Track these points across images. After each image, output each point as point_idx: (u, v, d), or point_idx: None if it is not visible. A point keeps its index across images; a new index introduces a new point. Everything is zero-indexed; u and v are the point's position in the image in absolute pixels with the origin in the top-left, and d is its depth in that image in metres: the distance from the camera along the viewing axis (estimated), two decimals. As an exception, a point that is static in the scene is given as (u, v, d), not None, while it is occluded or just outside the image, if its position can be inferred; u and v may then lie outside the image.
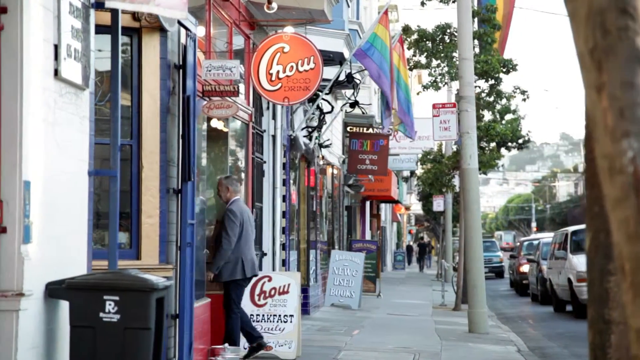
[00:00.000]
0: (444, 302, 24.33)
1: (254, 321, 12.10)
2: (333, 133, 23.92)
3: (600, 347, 3.77)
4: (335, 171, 25.83)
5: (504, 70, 23.76)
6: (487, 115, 24.97)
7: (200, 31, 10.45)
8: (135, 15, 9.08)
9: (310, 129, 19.19)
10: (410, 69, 23.96)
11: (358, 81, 18.96)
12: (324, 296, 21.75)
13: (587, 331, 3.87)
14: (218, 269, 11.02)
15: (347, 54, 17.58)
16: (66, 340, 6.74)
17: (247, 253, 11.18)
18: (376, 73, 16.82)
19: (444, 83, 24.12)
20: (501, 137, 24.02)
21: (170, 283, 7.21)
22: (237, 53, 13.27)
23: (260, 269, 14.71)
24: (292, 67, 13.60)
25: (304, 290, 17.34)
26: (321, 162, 22.06)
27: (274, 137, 16.01)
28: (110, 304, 6.55)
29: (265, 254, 15.43)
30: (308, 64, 13.61)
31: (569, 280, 21.02)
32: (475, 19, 23.19)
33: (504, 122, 24.75)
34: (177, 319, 9.18)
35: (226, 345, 10.77)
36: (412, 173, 47.73)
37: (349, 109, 23.01)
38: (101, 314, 6.55)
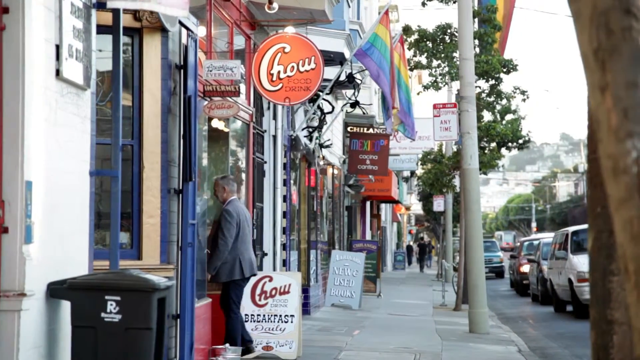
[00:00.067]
0: (445, 302, 24.34)
1: (254, 321, 12.11)
2: (333, 133, 23.92)
3: (602, 347, 3.78)
4: (335, 171, 25.83)
5: (505, 70, 23.77)
6: (487, 116, 24.97)
7: (201, 31, 10.45)
8: (136, 16, 9.09)
9: (310, 129, 19.19)
10: (411, 69, 23.96)
11: (359, 81, 18.96)
12: (325, 296, 21.75)
13: (590, 331, 3.87)
14: (215, 270, 11.01)
15: (347, 54, 17.59)
16: (68, 341, 6.74)
17: (245, 253, 11.17)
18: (376, 73, 16.82)
19: (444, 83, 24.12)
20: (501, 137, 24.02)
21: (171, 283, 7.21)
22: (238, 53, 13.27)
23: (261, 269, 14.72)
24: (293, 67, 13.60)
25: (305, 290, 17.34)
26: (322, 162, 22.06)
27: (274, 137, 16.01)
28: (111, 304, 6.55)
29: (266, 254, 15.43)
30: (309, 64, 13.61)
31: (570, 281, 21.02)
32: (476, 19, 23.19)
33: (504, 122, 24.75)
34: (178, 319, 9.18)
35: (227, 345, 10.77)
36: (413, 173, 47.75)
37: (349, 109, 23.04)
38: (103, 314, 6.55)
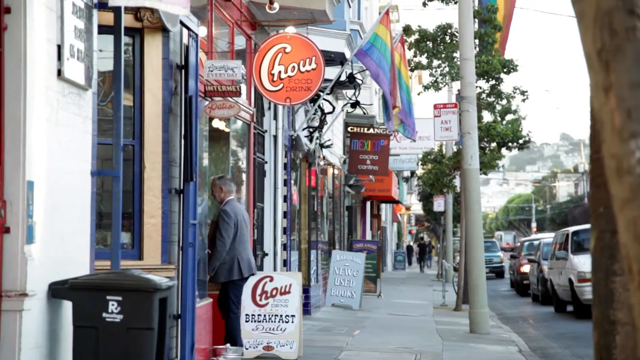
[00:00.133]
0: (445, 302, 24.34)
1: (255, 321, 12.12)
2: (334, 133, 23.92)
3: (605, 347, 3.78)
4: (336, 171, 25.83)
5: (505, 70, 23.76)
6: (487, 116, 24.96)
7: (202, 31, 10.45)
8: (137, 16, 9.09)
9: (311, 129, 19.19)
10: (411, 70, 23.95)
11: (359, 81, 18.95)
12: (325, 296, 21.76)
13: (592, 332, 3.87)
14: (214, 270, 11.01)
15: (348, 54, 17.59)
16: (69, 341, 6.74)
17: (243, 253, 11.16)
18: (376, 72, 16.82)
19: (444, 83, 24.11)
20: (502, 138, 24.01)
21: (173, 283, 7.21)
22: (239, 53, 13.27)
23: (262, 269, 14.72)
24: (293, 67, 13.59)
25: (305, 290, 17.34)
26: (322, 163, 22.07)
27: (275, 137, 16.01)
28: (113, 304, 6.55)
29: (267, 254, 15.43)
30: (310, 64, 13.61)
31: (570, 281, 21.02)
32: (476, 20, 23.18)
33: (504, 122, 24.75)
34: (179, 319, 9.18)
35: (228, 345, 10.77)
36: (413, 173, 47.75)
37: (350, 109, 23.02)
38: (104, 314, 6.55)
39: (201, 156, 10.66)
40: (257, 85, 13.66)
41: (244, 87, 13.10)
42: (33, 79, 6.25)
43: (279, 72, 13.59)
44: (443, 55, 23.14)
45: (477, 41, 22.61)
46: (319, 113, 19.11)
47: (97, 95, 7.63)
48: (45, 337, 6.49)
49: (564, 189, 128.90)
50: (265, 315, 12.18)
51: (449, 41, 23.27)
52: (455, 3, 21.74)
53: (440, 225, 42.68)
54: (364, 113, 22.21)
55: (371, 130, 26.93)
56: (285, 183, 16.65)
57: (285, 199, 16.59)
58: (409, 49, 23.25)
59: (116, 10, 7.69)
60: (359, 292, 21.93)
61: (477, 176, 17.92)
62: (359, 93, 19.30)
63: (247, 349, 11.79)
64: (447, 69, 23.31)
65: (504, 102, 24.81)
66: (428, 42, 23.39)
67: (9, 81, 6.17)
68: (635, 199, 2.42)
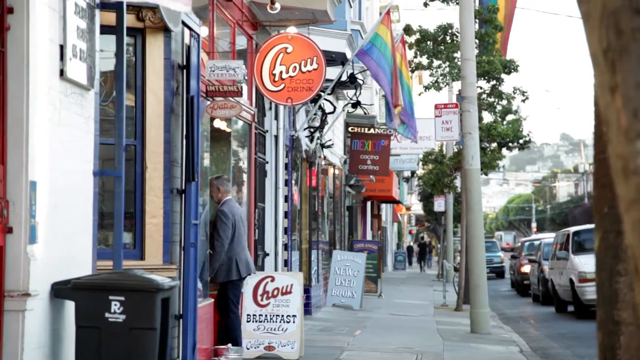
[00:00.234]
0: (446, 303, 24.34)
1: (256, 321, 12.12)
2: (334, 133, 23.92)
3: (609, 348, 3.77)
4: (336, 171, 25.83)
5: (506, 71, 23.75)
6: (488, 117, 24.95)
7: (203, 31, 10.45)
8: (139, 16, 9.09)
9: (312, 130, 19.19)
10: (412, 71, 23.95)
11: (360, 81, 18.95)
12: (326, 296, 21.76)
13: (596, 332, 3.87)
14: (214, 272, 11.01)
15: (349, 54, 17.59)
16: (72, 341, 6.74)
17: (241, 253, 11.17)
18: (376, 71, 16.82)
19: (445, 83, 24.11)
20: (502, 138, 24.01)
21: (175, 283, 7.22)
22: (240, 53, 13.27)
23: (263, 269, 14.72)
24: (295, 67, 13.60)
25: (306, 290, 17.35)
26: (323, 163, 22.07)
27: (276, 137, 16.02)
28: (115, 304, 6.55)
29: (268, 254, 15.43)
30: (311, 64, 13.61)
31: (571, 281, 21.02)
32: (477, 20, 23.17)
33: (505, 122, 24.75)
34: (181, 319, 9.18)
35: (229, 345, 10.77)
36: (413, 173, 47.75)
37: (350, 109, 23.01)
38: (107, 314, 6.55)
39: (202, 156, 10.66)
40: (259, 85, 13.66)
41: (245, 87, 13.10)
42: (36, 79, 6.25)
43: (281, 72, 13.59)
44: (444, 55, 23.14)
45: (477, 41, 22.61)
46: (320, 113, 19.11)
47: (99, 95, 7.63)
48: (47, 337, 6.49)
49: (564, 189, 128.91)
50: (266, 315, 12.18)
51: (449, 41, 23.27)
52: (457, 4, 21.74)
53: (441, 225, 42.67)
54: (365, 113, 22.21)
55: (372, 131, 26.93)
56: (286, 183, 16.65)
57: (286, 199, 16.59)
58: (410, 48, 23.25)
59: (118, 11, 7.69)
60: (359, 292, 21.93)
61: (478, 176, 17.92)
62: (359, 93, 19.30)
63: (248, 349, 11.79)
64: (447, 69, 23.31)
65: (505, 102, 24.81)
66: (429, 42, 23.39)
67: (11, 81, 6.17)
68: (642, 199, 2.42)
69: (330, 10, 14.09)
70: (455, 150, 26.45)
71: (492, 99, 24.32)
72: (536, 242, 32.95)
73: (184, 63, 9.48)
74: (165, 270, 8.82)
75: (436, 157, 28.27)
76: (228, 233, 11.03)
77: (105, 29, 7.68)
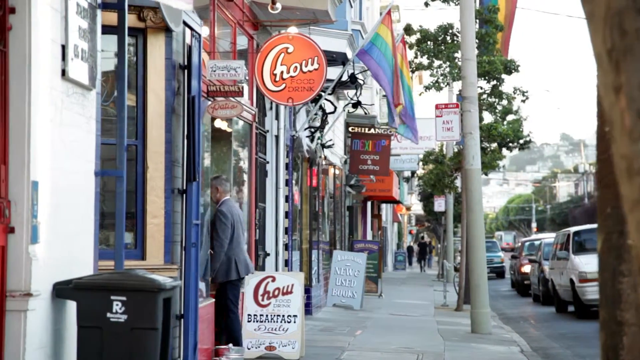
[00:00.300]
0: (446, 303, 24.34)
1: (257, 321, 12.12)
2: (335, 133, 23.92)
3: (612, 348, 3.77)
4: (337, 171, 25.84)
5: (506, 71, 23.75)
6: (488, 117, 24.95)
7: (204, 31, 10.45)
8: (140, 16, 9.10)
9: (312, 130, 19.20)
10: (413, 71, 23.95)
11: (361, 81, 18.96)
12: (326, 296, 21.76)
13: (599, 333, 3.86)
14: (215, 272, 11.01)
15: (350, 54, 17.59)
16: (73, 341, 6.75)
17: (240, 253, 11.18)
18: (376, 71, 16.81)
19: (446, 83, 24.11)
20: (502, 138, 24.01)
21: (177, 283, 7.22)
22: (241, 53, 13.27)
23: (264, 269, 14.72)
24: (296, 67, 13.60)
25: (307, 290, 17.34)
26: (323, 163, 22.07)
27: (277, 137, 16.02)
28: (117, 304, 6.55)
29: (268, 254, 15.43)
30: (312, 64, 13.61)
31: (571, 281, 21.02)
32: (477, 20, 23.16)
33: (505, 122, 24.75)
34: (182, 319, 9.18)
35: (230, 345, 10.78)
36: (413, 173, 47.75)
37: (351, 110, 23.01)
38: (108, 314, 6.55)
39: (203, 156, 10.66)
40: (260, 85, 13.66)
41: (246, 87, 13.11)
42: (37, 79, 6.25)
43: (281, 72, 13.59)
44: (444, 55, 23.14)
45: (477, 41, 22.61)
46: (321, 113, 19.11)
47: (100, 95, 7.63)
48: (49, 337, 6.49)
49: (564, 189, 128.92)
50: (267, 316, 12.18)
51: (450, 41, 23.27)
52: (457, 4, 21.74)
53: (441, 225, 42.67)
54: (365, 113, 22.21)
55: (372, 131, 26.93)
56: (287, 183, 16.65)
57: (286, 199, 16.59)
58: (410, 48, 23.25)
59: (120, 11, 7.69)
60: (360, 292, 21.93)
61: (479, 176, 17.92)
62: (360, 93, 19.31)
63: (249, 349, 11.79)
64: (448, 69, 23.31)
65: (505, 102, 24.81)
66: (429, 42, 23.39)
67: (13, 81, 6.17)
68: (647, 199, 2.42)
69: (331, 10, 14.10)
70: (456, 150, 26.45)
71: (492, 99, 24.32)
72: (536, 242, 32.96)
73: (185, 63, 9.48)
74: (166, 270, 8.82)
75: (436, 157, 28.26)
76: (227, 233, 11.03)
77: (106, 29, 7.68)
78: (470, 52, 17.68)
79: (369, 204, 39.67)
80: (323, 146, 20.52)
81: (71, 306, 6.75)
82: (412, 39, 23.77)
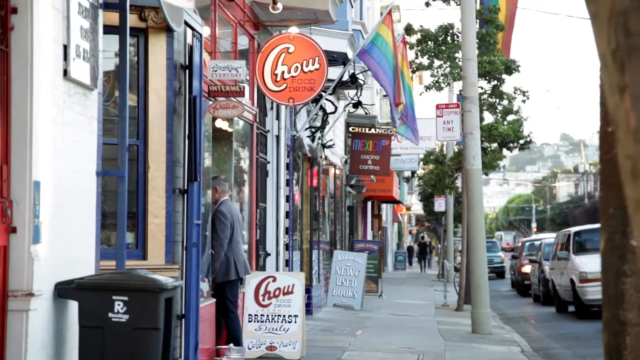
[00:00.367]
0: (447, 303, 24.35)
1: (258, 321, 12.12)
2: (335, 133, 23.93)
3: (615, 349, 3.77)
4: (337, 171, 25.84)
5: (507, 71, 23.74)
6: (489, 117, 24.96)
7: (205, 31, 10.44)
8: (141, 16, 9.09)
9: (313, 130, 19.20)
10: (413, 72, 23.95)
11: (361, 82, 18.96)
12: (327, 296, 21.76)
13: (602, 333, 3.86)
14: (215, 272, 11.01)
15: (350, 55, 17.59)
16: (75, 340, 6.75)
17: (239, 253, 11.20)
18: (376, 70, 16.81)
19: (446, 83, 24.10)
20: (503, 138, 24.01)
21: (178, 283, 7.21)
22: (242, 53, 13.27)
23: (264, 269, 14.72)
24: (297, 67, 13.59)
25: (307, 290, 17.34)
26: (324, 163, 22.07)
27: (277, 137, 16.01)
28: (119, 304, 6.55)
29: (269, 254, 15.43)
30: (313, 64, 13.61)
31: (572, 281, 21.02)
32: (477, 20, 23.16)
33: (505, 122, 24.75)
34: (183, 319, 9.18)
35: (231, 345, 10.78)
36: (414, 173, 47.75)
37: (351, 110, 23.01)
38: (110, 314, 6.55)
39: (203, 156, 10.66)
40: (260, 85, 13.66)
41: (247, 87, 13.11)
42: (39, 79, 6.25)
43: (282, 72, 13.59)
44: (445, 55, 23.14)
45: (478, 41, 22.60)
46: (321, 113, 19.11)
47: (102, 95, 7.63)
48: (51, 337, 6.49)
49: (564, 189, 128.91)
50: (268, 316, 12.18)
51: (450, 41, 23.27)
52: (458, 4, 21.74)
53: (441, 225, 42.67)
54: (366, 113, 22.21)
55: (372, 131, 26.93)
56: (288, 183, 16.65)
57: (287, 199, 16.58)
58: (411, 49, 23.25)
59: (121, 11, 7.69)
60: (360, 292, 21.93)
61: (480, 176, 17.92)
62: (360, 93, 19.31)
63: (250, 349, 11.79)
64: (448, 69, 23.31)
65: (506, 102, 24.81)
66: (430, 42, 23.39)
67: (15, 81, 6.17)
68: (651, 200, 2.42)
69: (332, 10, 14.10)
70: (456, 150, 26.44)
71: (493, 99, 24.32)
72: (537, 242, 32.96)
73: (187, 63, 9.48)
74: (167, 270, 8.81)
75: (437, 158, 28.26)
76: (227, 233, 11.03)
77: (107, 29, 7.68)
78: (471, 52, 17.69)
79: (369, 204, 39.67)
80: (324, 146, 20.52)
81: (73, 306, 6.75)
82: (413, 39, 23.77)
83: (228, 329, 11.04)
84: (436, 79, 23.58)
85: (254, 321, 12.12)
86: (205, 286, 10.65)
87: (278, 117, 15.97)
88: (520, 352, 14.55)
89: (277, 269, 15.57)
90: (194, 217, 9.40)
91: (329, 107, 19.30)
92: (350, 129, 27.21)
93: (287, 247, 16.57)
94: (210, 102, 10.82)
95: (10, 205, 6.14)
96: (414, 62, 23.82)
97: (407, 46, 21.90)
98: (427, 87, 24.03)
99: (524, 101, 25.13)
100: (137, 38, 9.17)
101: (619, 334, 3.75)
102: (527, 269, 31.07)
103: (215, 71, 10.66)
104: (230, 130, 12.91)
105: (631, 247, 3.52)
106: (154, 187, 9.13)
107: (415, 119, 19.78)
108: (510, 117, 25.16)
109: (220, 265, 11.02)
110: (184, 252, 9.33)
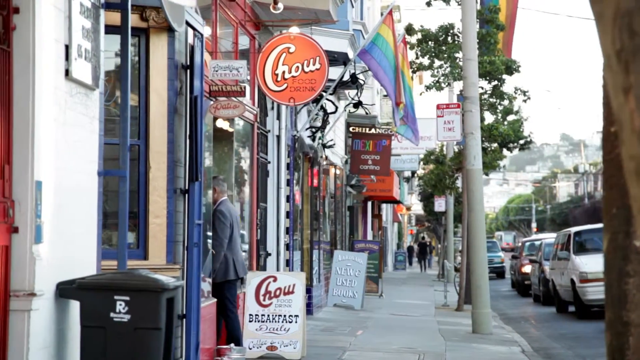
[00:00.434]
0: (447, 303, 24.35)
1: (259, 321, 12.12)
2: (336, 133, 23.93)
3: (618, 349, 3.77)
4: (337, 171, 25.84)
5: (507, 71, 23.74)
6: (489, 117, 24.95)
7: (206, 31, 10.44)
8: (143, 16, 9.10)
9: (313, 130, 19.20)
10: (414, 72, 23.95)
11: (362, 82, 18.96)
12: (327, 296, 21.76)
13: (605, 333, 3.86)
14: (215, 272, 11.01)
15: (351, 54, 17.59)
16: (77, 340, 6.75)
17: (237, 253, 11.21)
18: (376, 70, 16.81)
19: (447, 83, 24.10)
20: (503, 138, 24.02)
21: (180, 283, 7.22)
22: (243, 53, 13.28)
23: (265, 269, 14.73)
24: (297, 67, 13.60)
25: (308, 290, 17.33)
26: (324, 163, 22.07)
27: (278, 137, 16.02)
28: (120, 304, 6.55)
29: (270, 254, 15.43)
30: (314, 64, 13.61)
31: (572, 281, 21.02)
32: (478, 20, 23.16)
33: (506, 122, 24.75)
34: (184, 319, 9.18)
35: (232, 345, 10.78)
36: (414, 173, 47.75)
37: (352, 110, 23.01)
38: (112, 314, 6.55)
39: (204, 156, 10.66)
40: (261, 85, 13.66)
41: (247, 87, 13.11)
42: (41, 79, 6.25)
43: (283, 72, 13.59)
44: (445, 55, 23.14)
45: (478, 41, 22.60)
46: (322, 113, 19.12)
47: (103, 95, 7.63)
48: (53, 337, 6.49)
49: (564, 189, 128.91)
50: (268, 315, 12.19)
51: (451, 41, 23.27)
52: (458, 4, 21.74)
53: (441, 225, 42.67)
54: (366, 113, 22.22)
55: (373, 131, 26.93)
56: (288, 183, 16.65)
57: (288, 199, 16.59)
58: (411, 49, 23.25)
59: (123, 11, 7.69)
60: (360, 292, 21.93)
61: (480, 176, 17.92)
62: (361, 93, 19.31)
63: (250, 348, 11.80)
64: (449, 69, 23.31)
65: (506, 102, 24.81)
66: (430, 42, 23.39)
67: (17, 81, 6.17)
68: (656, 200, 2.42)
69: (333, 10, 14.10)
70: (456, 150, 26.44)
71: (493, 99, 24.32)
72: (537, 243, 32.96)
73: (188, 63, 9.48)
74: (168, 270, 8.82)
75: (437, 158, 28.26)
76: (227, 233, 11.04)
77: (108, 29, 7.68)
78: (471, 52, 17.69)
79: (369, 204, 39.67)
80: (324, 146, 20.52)
81: (74, 306, 6.75)
82: (413, 39, 23.76)
83: (228, 329, 11.05)
84: (436, 79, 23.58)
85: (255, 321, 12.12)
86: (206, 286, 10.65)
87: (279, 117, 15.98)
88: (520, 352, 14.56)
89: (277, 269, 15.57)
90: (195, 217, 9.40)
91: (330, 107, 19.30)
92: (351, 129, 27.21)
93: (287, 247, 16.57)
94: (211, 102, 10.82)
95: (12, 205, 6.14)
96: (415, 62, 23.82)
97: (408, 46, 21.90)
98: (428, 87, 24.02)
99: (524, 101, 25.14)
100: (139, 38, 9.17)
101: (622, 334, 3.75)
102: (527, 269, 31.07)
103: (217, 71, 10.66)
104: (231, 130, 12.91)
105: (634, 248, 3.52)
106: (155, 187, 9.13)
107: (415, 119, 19.78)
108: (511, 117, 25.16)
109: (220, 265, 11.03)
110: (185, 252, 9.33)
